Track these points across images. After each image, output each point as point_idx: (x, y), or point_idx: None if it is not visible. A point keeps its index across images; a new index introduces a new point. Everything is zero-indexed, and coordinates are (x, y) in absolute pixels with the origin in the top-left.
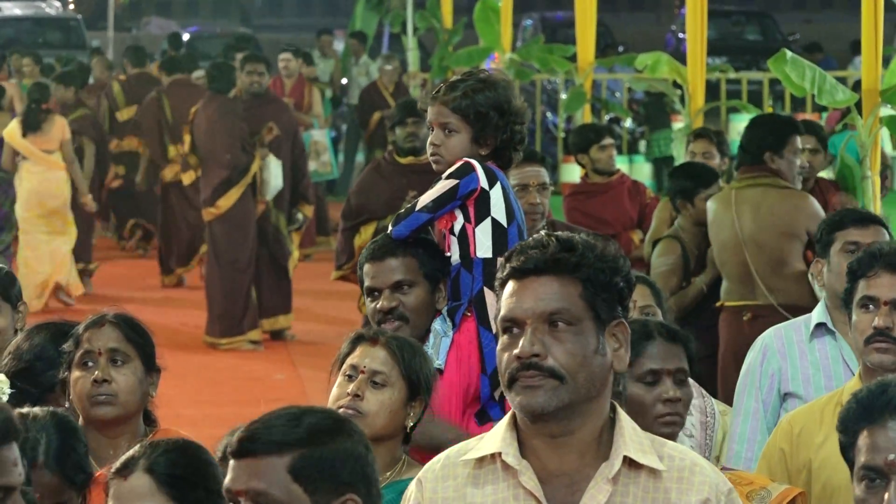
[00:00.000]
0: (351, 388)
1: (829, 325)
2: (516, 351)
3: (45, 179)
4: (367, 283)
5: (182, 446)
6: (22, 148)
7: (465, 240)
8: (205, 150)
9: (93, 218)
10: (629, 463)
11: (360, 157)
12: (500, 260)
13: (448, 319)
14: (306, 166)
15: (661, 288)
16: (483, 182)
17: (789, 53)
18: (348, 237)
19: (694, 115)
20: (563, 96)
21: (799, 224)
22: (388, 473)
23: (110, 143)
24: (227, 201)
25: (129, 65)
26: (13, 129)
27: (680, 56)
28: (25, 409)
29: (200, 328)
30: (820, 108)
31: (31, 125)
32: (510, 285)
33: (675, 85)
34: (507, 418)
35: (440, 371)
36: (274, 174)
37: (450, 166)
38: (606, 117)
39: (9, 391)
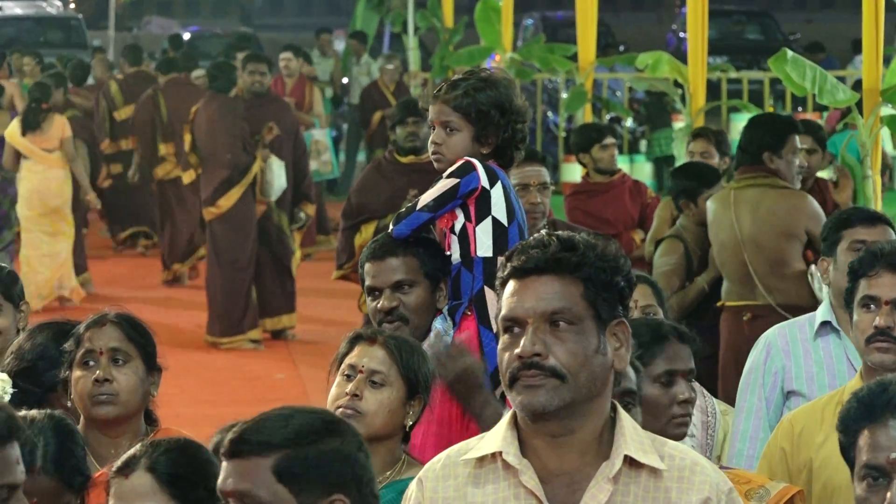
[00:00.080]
0: (349, 387)
1: (834, 323)
2: (517, 350)
3: (45, 178)
4: (367, 282)
5: (183, 445)
6: (22, 147)
7: (465, 239)
8: (205, 150)
9: (85, 221)
10: (630, 462)
11: (361, 157)
12: (500, 259)
13: (449, 318)
14: (308, 166)
15: (663, 287)
16: (484, 181)
17: (790, 53)
18: (349, 236)
19: (695, 114)
20: (564, 96)
21: (798, 224)
22: (388, 473)
23: (101, 144)
24: (227, 201)
25: (126, 64)
26: (14, 128)
27: (681, 55)
28: (23, 413)
29: (201, 327)
30: (821, 108)
31: (31, 124)
32: (511, 285)
33: (676, 84)
34: (507, 418)
35: None
36: (277, 174)
37: (451, 165)
38: (607, 117)
39: (11, 391)
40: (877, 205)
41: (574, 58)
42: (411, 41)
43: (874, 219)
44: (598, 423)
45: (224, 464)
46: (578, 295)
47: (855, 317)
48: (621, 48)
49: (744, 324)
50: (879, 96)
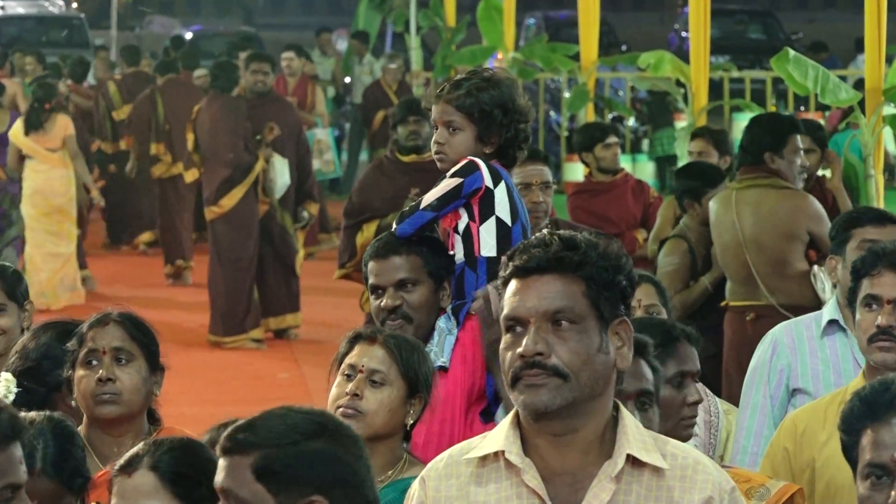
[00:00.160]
0: (350, 387)
1: (842, 322)
2: (520, 350)
3: (49, 178)
4: (371, 280)
5: (186, 444)
6: (25, 147)
7: (469, 238)
8: (208, 149)
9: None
10: (632, 461)
11: (363, 156)
12: (503, 259)
13: (453, 318)
14: (311, 165)
15: (667, 287)
16: (487, 181)
17: (792, 52)
18: (350, 235)
19: (697, 113)
20: (567, 95)
21: (799, 225)
22: (390, 472)
23: (93, 144)
24: (230, 200)
25: (124, 64)
26: (17, 128)
27: (683, 55)
28: (21, 415)
29: (204, 327)
30: (823, 107)
31: (34, 124)
32: (513, 284)
33: (679, 84)
34: (510, 417)
35: (444, 369)
36: (280, 172)
37: (454, 165)
38: (609, 116)
39: (16, 390)
40: (879, 204)
41: (576, 57)
42: (413, 40)
43: (884, 219)
44: (600, 422)
45: (219, 461)
46: (580, 294)
47: (857, 316)
48: (623, 47)
49: (747, 324)
50: (882, 96)
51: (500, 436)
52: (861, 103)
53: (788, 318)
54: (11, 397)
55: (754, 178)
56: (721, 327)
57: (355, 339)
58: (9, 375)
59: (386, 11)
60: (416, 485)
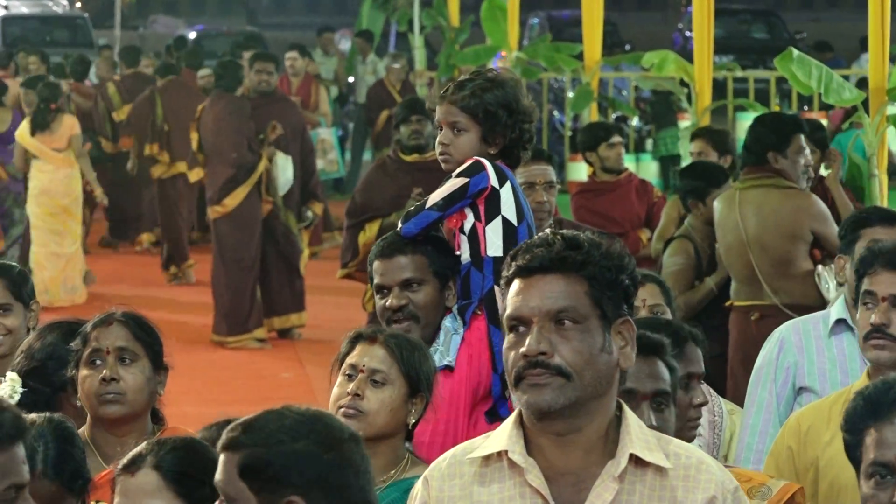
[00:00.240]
0: (351, 387)
1: (850, 321)
2: (523, 349)
3: (54, 178)
4: (376, 280)
5: (189, 444)
6: (31, 147)
7: (475, 238)
8: (211, 149)
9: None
10: (635, 461)
11: (367, 156)
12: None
13: (459, 317)
14: (315, 164)
15: (672, 287)
16: (493, 181)
17: (796, 52)
18: (353, 235)
19: (700, 113)
20: (570, 95)
21: (802, 225)
22: (392, 472)
23: (85, 145)
24: (233, 200)
25: (123, 65)
26: (23, 129)
27: (687, 54)
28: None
29: (207, 326)
30: (827, 107)
31: (40, 124)
32: (516, 284)
33: (682, 83)
34: (513, 416)
35: (450, 368)
36: (282, 168)
37: (459, 165)
38: (613, 116)
39: (21, 390)
40: (883, 203)
41: (580, 57)
42: (417, 40)
43: (893, 219)
44: (603, 421)
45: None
46: (583, 293)
47: (857, 314)
48: (627, 47)
49: (752, 323)
50: (886, 95)
51: (503, 435)
52: (865, 103)
53: (792, 317)
54: (17, 397)
55: (758, 178)
56: (726, 327)
57: (356, 339)
58: (14, 375)
59: (389, 11)
60: (419, 484)
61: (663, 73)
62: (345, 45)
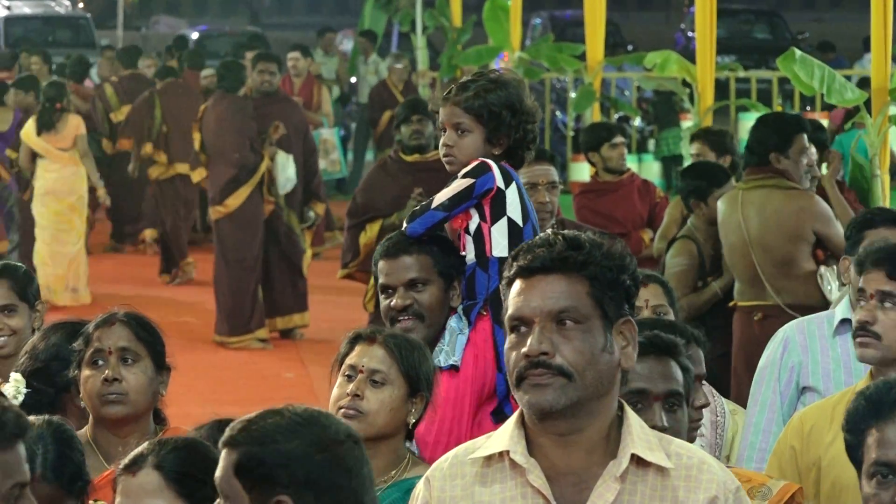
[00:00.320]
0: (350, 388)
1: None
2: (524, 349)
3: (61, 177)
4: (381, 280)
5: (191, 444)
6: (37, 147)
7: (480, 239)
8: (213, 149)
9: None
10: (637, 461)
11: (369, 156)
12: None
13: (464, 318)
14: (317, 165)
15: (675, 288)
16: (499, 182)
17: (798, 52)
18: (354, 235)
19: (703, 113)
20: (573, 95)
21: (804, 225)
22: (393, 472)
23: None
24: (235, 200)
25: (120, 66)
26: (29, 128)
27: (689, 55)
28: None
29: (209, 327)
30: (829, 107)
31: (46, 124)
32: (517, 284)
33: (685, 83)
34: (514, 417)
35: (456, 368)
36: (282, 166)
37: (463, 166)
38: (615, 116)
39: (25, 391)
40: (885, 204)
41: (582, 57)
42: (419, 40)
43: None
44: (605, 421)
45: None
46: (585, 294)
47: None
48: (629, 47)
49: (755, 324)
50: (888, 95)
51: (504, 436)
52: (867, 103)
53: (795, 318)
54: (21, 398)
55: (760, 179)
56: (729, 327)
57: (355, 340)
58: (18, 376)
59: (392, 11)
60: (420, 485)
61: (666, 73)
62: (347, 45)
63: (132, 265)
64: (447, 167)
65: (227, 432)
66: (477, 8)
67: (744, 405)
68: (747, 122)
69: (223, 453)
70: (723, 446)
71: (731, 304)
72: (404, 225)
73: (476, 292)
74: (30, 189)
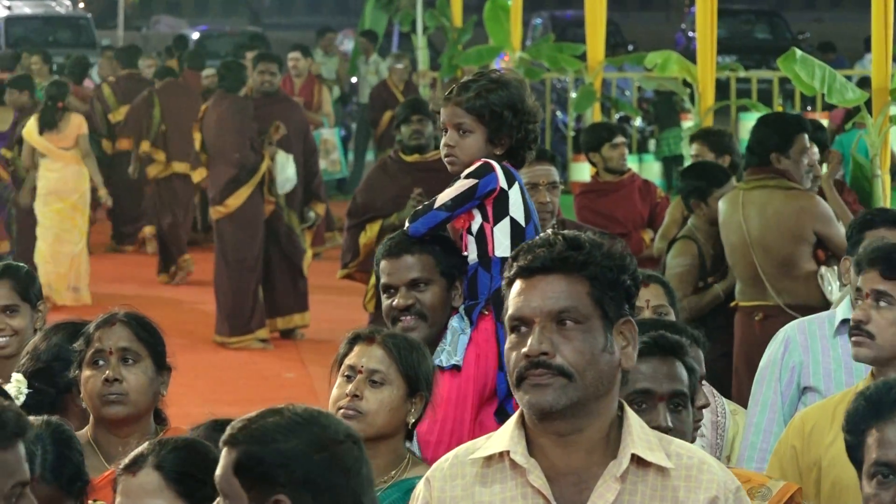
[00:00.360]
0: (349, 388)
1: None
2: (525, 349)
3: (63, 176)
4: (383, 280)
5: (191, 444)
6: (39, 146)
7: (483, 239)
8: (214, 149)
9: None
10: (637, 461)
11: (370, 156)
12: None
13: (466, 318)
14: (318, 165)
15: (677, 289)
16: (502, 182)
17: (799, 52)
18: (353, 235)
19: (703, 113)
20: (573, 95)
21: (805, 226)
22: (393, 472)
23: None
24: (236, 200)
25: (118, 66)
26: (31, 127)
27: (690, 55)
28: None
29: (209, 327)
30: (830, 107)
31: (48, 123)
32: (517, 284)
33: (685, 84)
34: (514, 417)
35: (458, 368)
36: (281, 165)
37: (465, 167)
38: (616, 116)
39: (26, 391)
40: (886, 204)
41: (583, 57)
42: (420, 40)
43: None
44: (605, 421)
45: None
46: (585, 294)
47: None
48: (630, 47)
49: (755, 324)
50: (889, 95)
51: (504, 436)
52: (868, 103)
53: (796, 318)
54: (22, 398)
55: (761, 179)
56: (731, 327)
57: (354, 340)
58: (20, 377)
59: (392, 11)
60: (421, 485)
61: (666, 73)
62: (347, 45)
63: (132, 265)
64: (449, 168)
65: (228, 431)
66: (477, 8)
67: (745, 405)
68: (748, 122)
69: (223, 452)
70: (723, 447)
71: (732, 304)
72: (406, 224)
73: (478, 292)
74: (23, 188)
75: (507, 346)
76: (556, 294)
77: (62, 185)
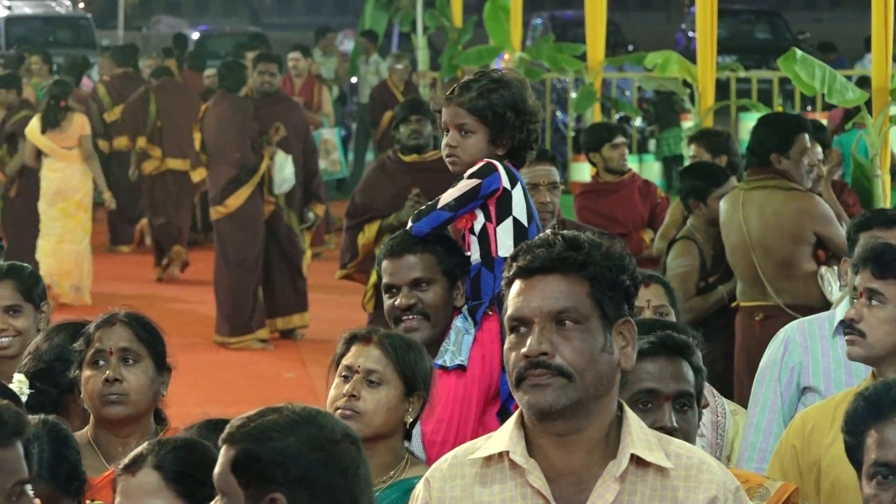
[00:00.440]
0: (347, 388)
1: None
2: (524, 350)
3: (65, 176)
4: (385, 279)
5: (190, 444)
6: (42, 145)
7: (485, 239)
8: (214, 149)
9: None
10: (637, 461)
11: (370, 156)
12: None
13: (469, 318)
14: (318, 165)
15: (678, 289)
16: (505, 182)
17: (799, 52)
18: (352, 235)
19: (703, 114)
20: (573, 95)
21: (805, 227)
22: (392, 472)
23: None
24: (236, 200)
25: (113, 65)
26: (34, 126)
27: (690, 55)
28: None
29: (210, 327)
30: (830, 107)
31: (51, 122)
32: (517, 284)
33: (685, 84)
34: (514, 417)
35: (463, 368)
36: (280, 166)
37: (467, 167)
38: (616, 116)
39: (28, 391)
40: (885, 204)
41: (583, 57)
42: (420, 40)
43: (891, 221)
44: (604, 422)
45: None
46: (584, 294)
47: None
48: (630, 48)
49: (756, 324)
50: (889, 95)
51: (504, 436)
52: (868, 103)
53: (796, 318)
54: (24, 399)
55: (762, 180)
56: (732, 327)
57: (351, 340)
58: (21, 377)
59: (392, 12)
60: (420, 485)
61: (666, 73)
62: (347, 45)
63: (132, 265)
64: (450, 168)
65: (227, 429)
66: (477, 8)
67: (746, 405)
68: (748, 122)
69: (222, 450)
70: (723, 447)
71: (733, 304)
72: (409, 224)
73: (482, 292)
74: (14, 186)
75: (506, 346)
76: (556, 294)
77: (66, 184)
